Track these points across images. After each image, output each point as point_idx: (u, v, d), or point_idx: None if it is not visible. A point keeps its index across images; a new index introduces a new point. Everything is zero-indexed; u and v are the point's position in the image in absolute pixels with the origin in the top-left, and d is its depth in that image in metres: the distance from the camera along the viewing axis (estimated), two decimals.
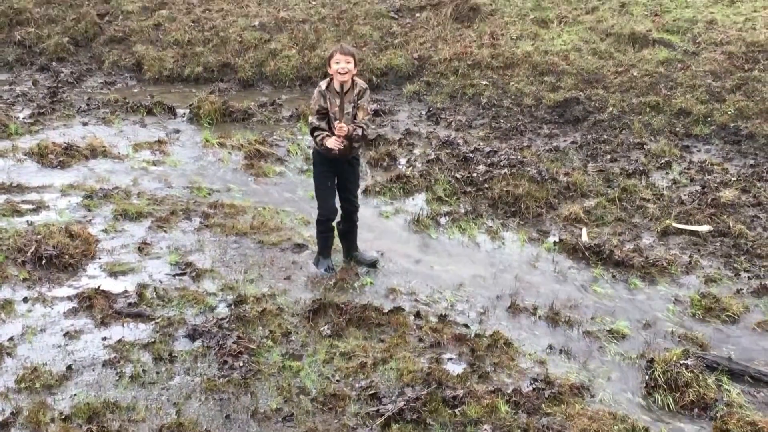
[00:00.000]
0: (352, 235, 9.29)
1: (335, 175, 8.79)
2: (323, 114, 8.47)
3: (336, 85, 8.38)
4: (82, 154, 12.04)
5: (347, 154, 8.62)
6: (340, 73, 8.26)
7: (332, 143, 8.35)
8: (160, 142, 12.95)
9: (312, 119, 8.58)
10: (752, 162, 13.08)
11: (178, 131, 13.64)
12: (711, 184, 12.05)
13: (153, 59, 17.28)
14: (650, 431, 6.79)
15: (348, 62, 8.20)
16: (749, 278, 9.70)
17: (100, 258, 9.00)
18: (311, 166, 10.86)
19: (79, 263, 8.80)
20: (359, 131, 8.52)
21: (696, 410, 7.20)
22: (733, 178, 12.33)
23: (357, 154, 8.95)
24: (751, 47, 15.81)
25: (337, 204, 9.01)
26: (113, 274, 8.67)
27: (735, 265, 9.97)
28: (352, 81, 8.46)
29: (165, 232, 9.78)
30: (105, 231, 9.62)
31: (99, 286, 8.26)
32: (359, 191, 9.45)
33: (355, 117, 8.47)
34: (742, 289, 9.41)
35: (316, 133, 8.51)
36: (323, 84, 8.47)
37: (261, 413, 6.62)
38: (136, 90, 16.42)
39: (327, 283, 8.84)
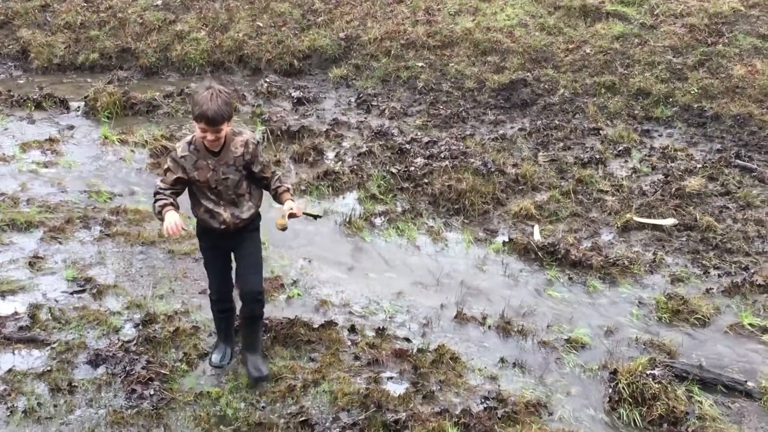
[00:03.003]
0: (250, 331, 7.50)
1: (227, 250, 7.28)
2: (181, 184, 6.91)
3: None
4: None
5: (237, 225, 7.05)
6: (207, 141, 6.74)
7: (171, 227, 6.59)
8: (51, 140, 12.75)
9: (159, 183, 6.94)
10: (719, 146, 13.33)
11: (72, 127, 13.44)
12: (675, 173, 12.24)
13: (41, 45, 17.01)
14: None
15: (218, 132, 6.63)
16: (719, 276, 9.86)
17: None
18: None
19: None
20: (288, 185, 7.16)
21: (665, 425, 7.28)
22: (698, 165, 12.54)
23: (256, 225, 7.32)
24: (714, 19, 16.11)
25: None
26: (1, 294, 8.51)
27: (703, 262, 10.13)
28: (227, 138, 6.87)
29: (60, 243, 9.63)
30: None
31: None
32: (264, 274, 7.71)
33: (236, 186, 6.90)
34: (712, 289, 9.56)
35: (158, 198, 6.81)
36: (183, 146, 6.87)
37: None
38: (21, 81, 16.15)
39: None
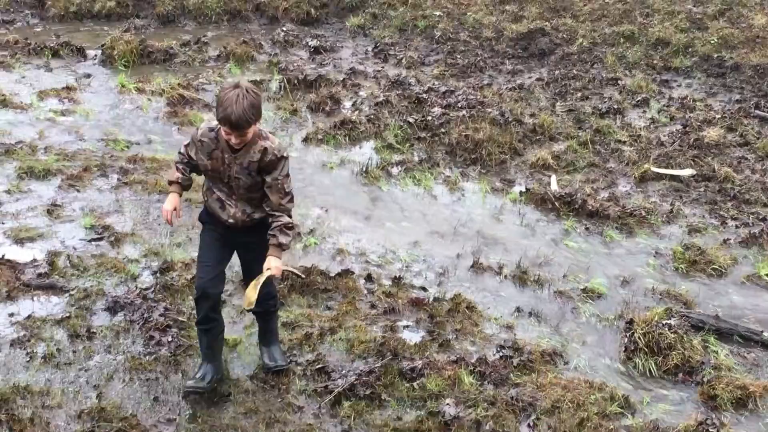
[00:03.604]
0: (265, 324, 6.96)
1: (228, 243, 6.52)
2: (190, 166, 6.46)
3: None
4: None
5: (246, 223, 6.38)
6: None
7: (166, 213, 6.41)
8: (68, 88, 12.73)
9: (182, 148, 6.48)
10: (738, 97, 13.24)
11: (89, 76, 13.41)
12: (693, 123, 12.17)
13: None
14: (631, 400, 6.88)
15: (243, 136, 5.94)
16: (737, 227, 9.83)
17: (3, 223, 8.84)
18: None
19: None
20: (282, 239, 6.22)
21: (680, 375, 7.29)
22: (717, 116, 12.46)
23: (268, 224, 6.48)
24: None
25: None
26: (19, 241, 8.53)
27: (721, 213, 10.10)
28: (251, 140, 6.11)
29: (78, 191, 9.64)
30: (8, 192, 9.45)
31: (3, 255, 8.13)
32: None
33: (249, 188, 6.19)
34: (730, 239, 9.54)
35: (176, 164, 6.49)
36: (204, 129, 6.21)
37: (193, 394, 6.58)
38: (38, 29, 16.10)
39: None
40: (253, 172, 6.12)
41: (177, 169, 6.47)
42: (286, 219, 6.20)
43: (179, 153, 6.49)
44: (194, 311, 7.30)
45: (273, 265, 6.20)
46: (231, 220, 6.32)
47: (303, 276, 7.02)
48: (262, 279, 6.19)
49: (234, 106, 5.73)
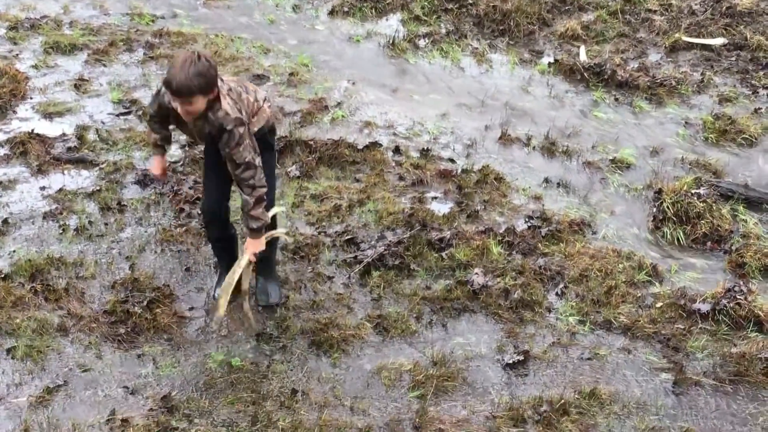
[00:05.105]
0: (265, 255, 6.23)
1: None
2: (163, 117, 5.91)
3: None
4: None
5: None
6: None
7: (154, 173, 6.38)
8: None
9: (149, 113, 6.11)
10: None
11: None
12: None
13: None
14: (659, 268, 6.90)
15: (188, 105, 5.34)
16: None
17: (31, 98, 8.86)
18: None
19: (8, 104, 8.65)
20: (252, 225, 5.77)
21: (709, 243, 7.30)
22: None
23: (270, 139, 6.20)
24: None
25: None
26: (48, 116, 8.55)
27: (752, 82, 9.96)
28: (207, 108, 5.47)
29: (104, 66, 9.60)
30: (35, 67, 9.44)
31: (32, 130, 8.16)
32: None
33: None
34: (761, 108, 9.43)
35: (150, 124, 6.14)
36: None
37: None
38: None
39: (292, 118, 8.76)
40: (215, 131, 5.53)
41: (152, 129, 6.09)
42: (248, 201, 5.67)
43: (149, 111, 6.09)
44: None
45: (250, 249, 5.89)
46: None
47: (287, 235, 6.57)
48: (238, 272, 5.92)
49: (178, 71, 5.21)
